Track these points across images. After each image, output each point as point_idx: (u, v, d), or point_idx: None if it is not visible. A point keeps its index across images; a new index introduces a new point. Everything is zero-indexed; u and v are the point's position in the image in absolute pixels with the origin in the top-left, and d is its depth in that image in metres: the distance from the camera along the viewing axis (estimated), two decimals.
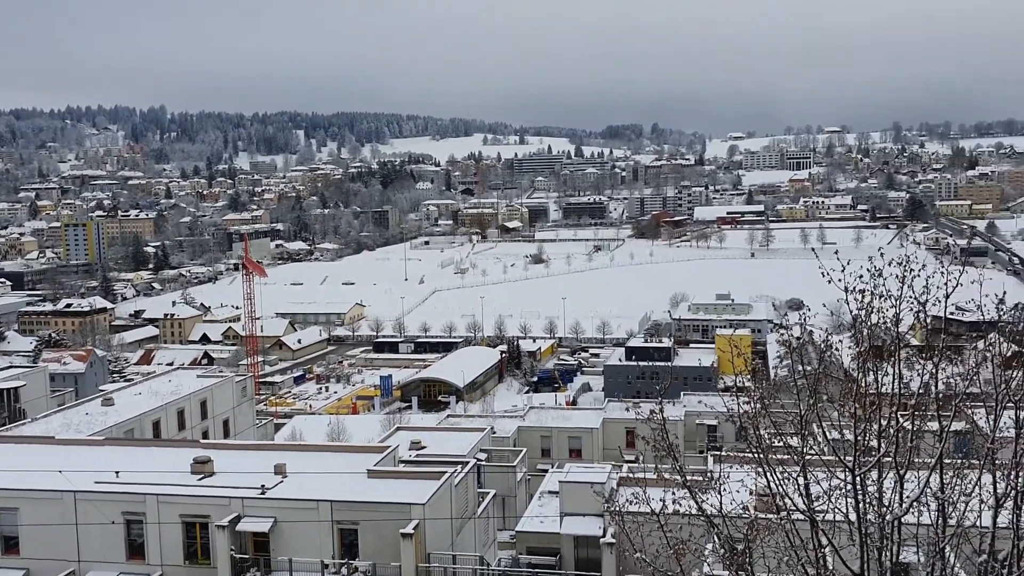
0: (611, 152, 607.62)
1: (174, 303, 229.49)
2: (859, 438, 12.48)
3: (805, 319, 15.38)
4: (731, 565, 12.36)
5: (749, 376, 17.15)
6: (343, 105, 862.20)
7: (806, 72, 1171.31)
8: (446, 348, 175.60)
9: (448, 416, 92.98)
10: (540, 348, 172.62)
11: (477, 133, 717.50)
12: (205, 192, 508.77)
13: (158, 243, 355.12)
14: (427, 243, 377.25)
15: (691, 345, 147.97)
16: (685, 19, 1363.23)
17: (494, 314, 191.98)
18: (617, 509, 14.08)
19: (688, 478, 13.37)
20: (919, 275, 12.79)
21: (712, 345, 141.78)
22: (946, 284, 12.62)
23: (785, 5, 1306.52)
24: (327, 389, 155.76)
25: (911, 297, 12.65)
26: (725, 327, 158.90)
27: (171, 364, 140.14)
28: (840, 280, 13.67)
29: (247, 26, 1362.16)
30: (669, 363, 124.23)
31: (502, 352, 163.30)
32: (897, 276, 12.62)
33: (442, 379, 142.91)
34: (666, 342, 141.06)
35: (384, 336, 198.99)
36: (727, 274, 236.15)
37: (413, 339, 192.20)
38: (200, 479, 43.69)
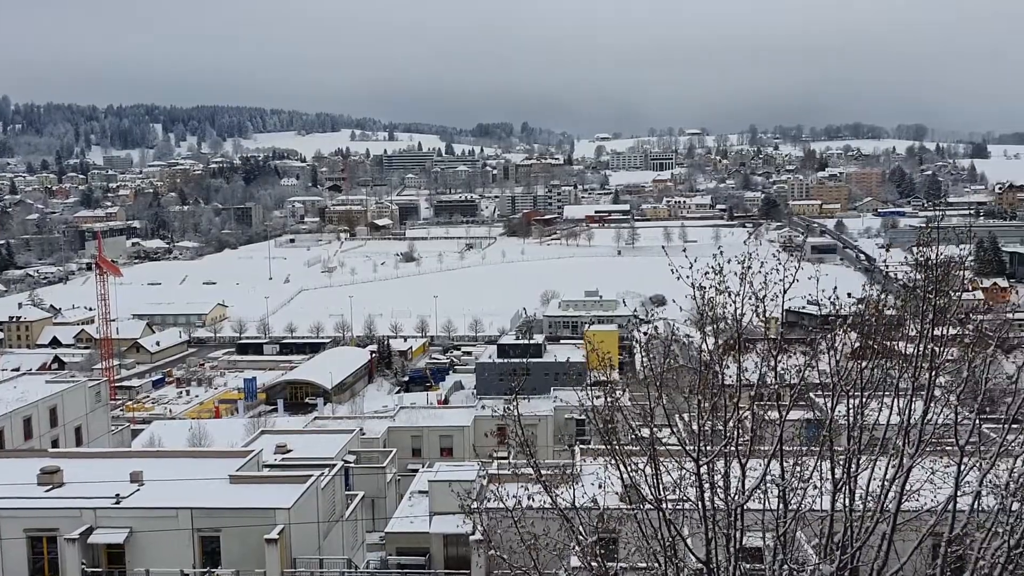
0: (482, 150, 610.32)
1: (20, 305, 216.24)
2: (704, 428, 12.98)
3: (652, 316, 15.84)
4: (584, 557, 12.65)
5: (617, 370, 17.53)
6: (203, 98, 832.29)
7: (669, 76, 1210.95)
8: (313, 349, 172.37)
9: (315, 418, 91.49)
10: (411, 347, 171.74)
11: (345, 128, 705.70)
12: (55, 188, 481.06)
13: (1, 241, 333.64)
14: (293, 241, 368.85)
15: (562, 341, 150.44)
16: (553, 21, 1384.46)
17: (364, 313, 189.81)
18: (471, 507, 14.14)
19: (544, 472, 13.60)
20: (759, 272, 13.42)
21: (582, 340, 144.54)
22: (783, 280, 13.28)
23: (649, 11, 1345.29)
24: (188, 393, 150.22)
25: (751, 293, 13.25)
26: (594, 323, 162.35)
27: (17, 370, 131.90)
28: (688, 277, 14.20)
29: (98, 15, 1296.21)
30: (540, 359, 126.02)
31: (372, 352, 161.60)
32: (736, 273, 13.21)
33: (309, 380, 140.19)
34: (538, 339, 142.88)
35: (248, 337, 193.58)
36: (596, 271, 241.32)
37: (279, 340, 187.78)
38: (48, 490, 41.43)
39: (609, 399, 13.70)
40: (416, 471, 66.83)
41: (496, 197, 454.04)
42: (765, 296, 13.38)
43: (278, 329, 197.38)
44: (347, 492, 53.82)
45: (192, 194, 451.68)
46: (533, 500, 13.11)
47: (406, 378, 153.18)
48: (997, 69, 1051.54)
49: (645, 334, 14.07)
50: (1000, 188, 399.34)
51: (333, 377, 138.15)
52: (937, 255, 13.51)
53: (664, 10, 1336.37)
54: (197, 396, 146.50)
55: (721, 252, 13.21)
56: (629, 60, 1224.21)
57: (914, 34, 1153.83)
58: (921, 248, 13.67)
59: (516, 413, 13.70)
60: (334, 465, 50.55)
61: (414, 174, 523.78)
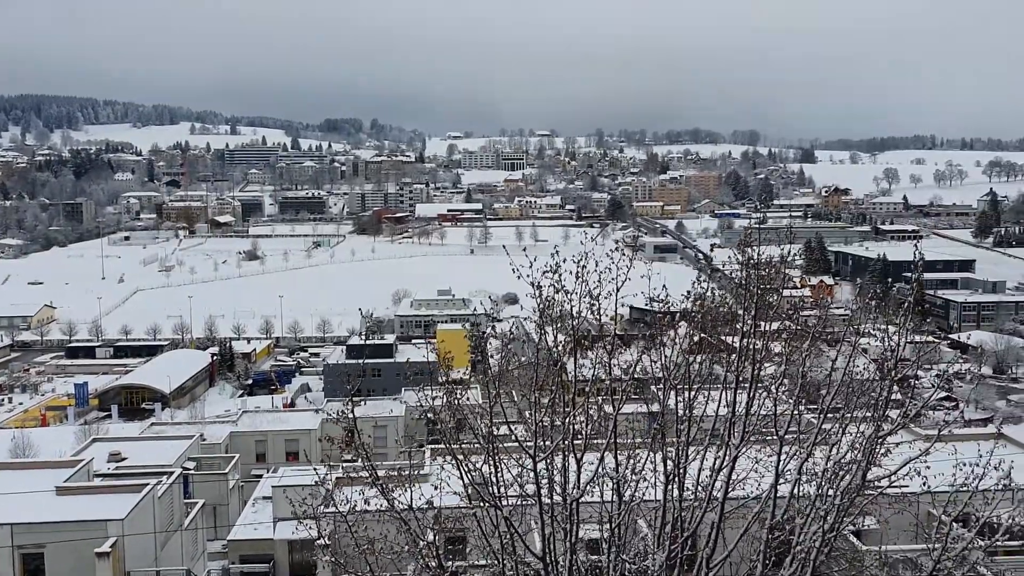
0: (330, 146, 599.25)
1: None
2: (542, 425, 13.16)
3: (493, 316, 15.94)
4: (422, 558, 12.59)
5: (469, 369, 17.49)
6: (29, 87, 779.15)
7: (520, 77, 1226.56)
8: (150, 352, 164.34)
9: (152, 424, 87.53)
10: (255, 349, 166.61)
11: (184, 121, 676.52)
12: None
13: None
14: (127, 239, 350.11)
15: (413, 341, 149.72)
16: (404, 17, 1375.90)
17: (204, 314, 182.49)
18: (315, 512, 13.83)
19: (384, 475, 13.43)
20: (595, 270, 13.75)
21: (434, 340, 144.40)
22: (616, 279, 13.64)
23: (500, 12, 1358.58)
24: (10, 401, 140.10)
25: (586, 291, 13.56)
26: (447, 322, 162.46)
27: None
28: (528, 276, 14.35)
29: None
30: (391, 359, 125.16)
31: (213, 354, 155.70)
32: (572, 272, 13.50)
33: (146, 385, 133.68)
34: (388, 339, 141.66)
35: (79, 340, 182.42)
36: (448, 270, 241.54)
37: (112, 343, 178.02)
38: None
39: (449, 399, 13.67)
40: (260, 476, 65.17)
41: (345, 194, 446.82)
42: (600, 294, 13.71)
43: (112, 331, 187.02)
44: (186, 500, 51.89)
45: (16, 188, 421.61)
46: (369, 503, 12.95)
47: (250, 381, 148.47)
48: (823, 80, 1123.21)
49: (482, 332, 14.10)
50: (826, 191, 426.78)
51: (172, 381, 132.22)
52: (759, 254, 14.22)
53: (515, 12, 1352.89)
54: (21, 404, 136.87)
55: (557, 252, 13.44)
56: (481, 60, 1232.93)
57: (749, 45, 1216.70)
58: (744, 247, 14.35)
59: (352, 416, 13.46)
60: (172, 472, 48.56)
61: (258, 169, 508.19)
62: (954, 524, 12.98)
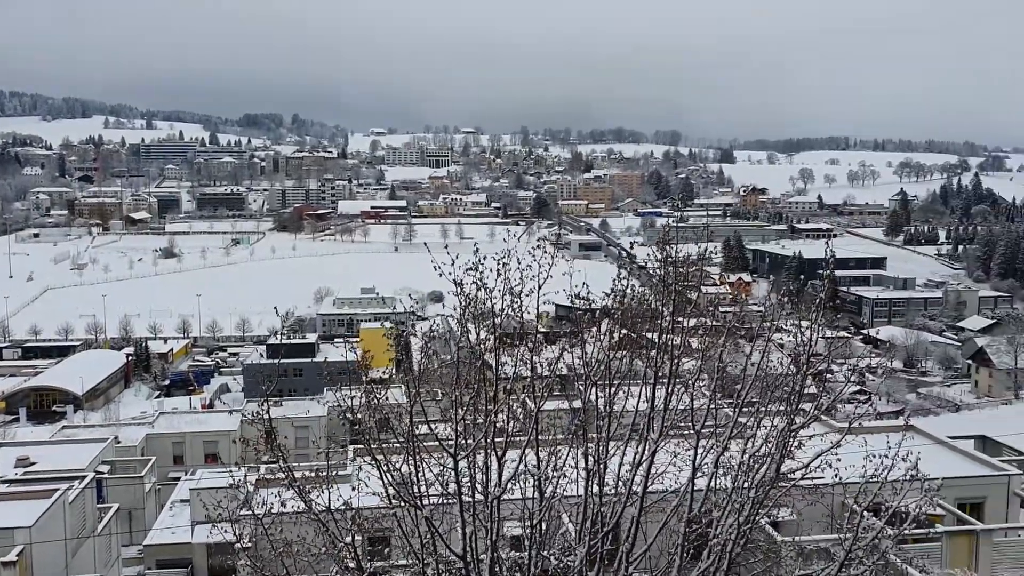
0: (249, 141, 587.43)
1: None
2: (464, 423, 13.12)
3: (418, 314, 15.83)
4: (340, 560, 12.42)
5: (393, 367, 17.32)
6: None
7: (443, 74, 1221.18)
8: (62, 352, 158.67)
9: (64, 427, 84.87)
10: (172, 349, 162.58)
11: (97, 115, 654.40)
12: None
13: None
14: (37, 236, 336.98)
15: (336, 340, 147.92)
16: (325, 11, 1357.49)
17: (119, 313, 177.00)
18: (232, 514, 13.52)
19: (301, 475, 13.21)
20: (517, 268, 13.76)
21: (358, 338, 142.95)
22: (538, 276, 13.67)
23: (424, 8, 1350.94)
24: None
25: (507, 289, 13.56)
26: (370, 320, 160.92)
27: None
28: (450, 274, 14.27)
29: None
30: (313, 359, 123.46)
31: (128, 355, 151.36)
32: (493, 270, 13.48)
33: (56, 387, 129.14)
34: (310, 338, 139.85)
35: None
36: (372, 268, 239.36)
37: (21, 344, 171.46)
38: None
39: (367, 398, 13.51)
40: (178, 479, 63.90)
41: (265, 190, 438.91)
42: (521, 291, 13.72)
43: (20, 332, 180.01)
44: (100, 505, 50.35)
45: None
46: (287, 505, 12.72)
47: (167, 382, 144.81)
48: (741, 81, 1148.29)
49: (401, 332, 13.98)
50: (744, 191, 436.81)
51: (84, 382, 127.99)
52: (676, 252, 14.42)
53: (439, 10, 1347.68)
54: None
55: (478, 249, 13.42)
56: (405, 56, 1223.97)
57: (670, 47, 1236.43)
58: (662, 245, 14.55)
59: (268, 416, 13.19)
60: (84, 477, 47.00)
61: (175, 165, 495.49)
62: (865, 513, 13.37)
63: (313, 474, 13.10)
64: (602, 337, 15.36)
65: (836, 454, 13.67)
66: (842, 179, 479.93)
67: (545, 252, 13.87)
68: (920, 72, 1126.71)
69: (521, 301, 13.72)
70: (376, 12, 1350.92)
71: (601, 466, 13.97)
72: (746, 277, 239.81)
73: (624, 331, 15.92)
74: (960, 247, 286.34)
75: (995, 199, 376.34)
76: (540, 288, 13.69)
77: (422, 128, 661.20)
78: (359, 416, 13.42)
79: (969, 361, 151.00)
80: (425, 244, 17.60)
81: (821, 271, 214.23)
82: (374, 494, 13.59)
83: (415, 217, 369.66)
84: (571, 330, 16.13)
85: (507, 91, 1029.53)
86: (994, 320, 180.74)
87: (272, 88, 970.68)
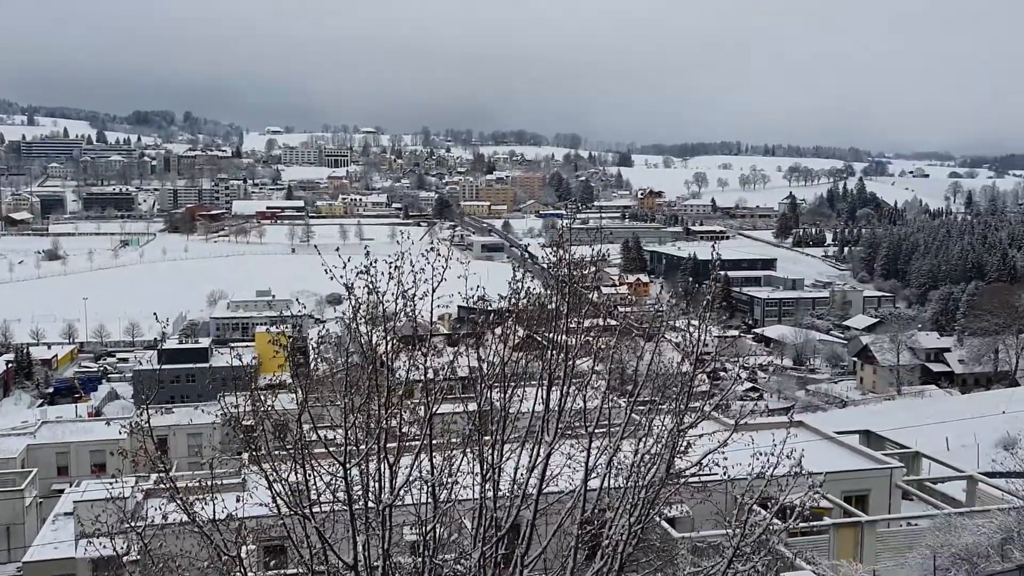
0: (139, 139, 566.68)
1: None
2: (350, 431, 12.85)
3: (316, 317, 15.45)
4: (225, 573, 11.99)
5: (289, 372, 16.82)
6: None
7: (343, 72, 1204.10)
8: None
9: None
10: (57, 355, 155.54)
11: None
12: None
13: None
14: None
15: (231, 344, 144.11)
16: (216, 6, 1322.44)
17: None
18: (107, 528, 12.90)
19: (191, 486, 12.70)
20: (411, 271, 13.57)
21: (253, 343, 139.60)
22: (432, 278, 13.51)
23: (322, 5, 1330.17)
24: None
25: (401, 291, 13.37)
26: (266, 324, 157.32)
27: None
28: (341, 277, 13.97)
29: None
30: (206, 364, 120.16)
31: (8, 362, 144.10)
32: (385, 273, 13.27)
33: None
34: (204, 342, 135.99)
35: None
36: (268, 270, 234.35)
37: None
38: None
39: (255, 404, 13.09)
40: (62, 491, 61.16)
41: (156, 190, 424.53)
42: (415, 294, 13.54)
43: None
44: None
45: None
46: (168, 517, 12.20)
47: (50, 389, 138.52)
48: (640, 87, 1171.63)
49: (289, 336, 13.60)
50: (642, 194, 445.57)
51: None
52: (571, 253, 14.48)
53: (337, 6, 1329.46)
54: None
55: (368, 252, 13.21)
56: (303, 53, 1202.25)
57: (571, 50, 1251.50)
58: (556, 246, 14.59)
59: (149, 425, 12.63)
60: None
61: (59, 163, 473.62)
62: (755, 508, 13.66)
63: (198, 483, 12.58)
64: (499, 339, 15.29)
65: (723, 453, 13.94)
66: (734, 183, 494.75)
67: (439, 255, 13.70)
68: (808, 80, 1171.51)
69: (414, 304, 13.54)
70: (273, 9, 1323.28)
71: (496, 469, 13.88)
72: (644, 278, 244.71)
73: (522, 332, 15.90)
74: (846, 249, 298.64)
75: (878, 203, 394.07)
76: (434, 291, 13.53)
77: (320, 127, 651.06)
78: (247, 423, 13.00)
79: (855, 358, 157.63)
80: (315, 247, 17.22)
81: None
82: (262, 504, 13.17)
83: (313, 218, 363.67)
84: (468, 332, 16.01)
85: (408, 91, 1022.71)
86: (877, 319, 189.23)
87: (164, 85, 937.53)
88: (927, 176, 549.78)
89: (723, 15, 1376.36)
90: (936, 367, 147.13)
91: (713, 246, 14.91)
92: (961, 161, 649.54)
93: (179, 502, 12.00)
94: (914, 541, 36.32)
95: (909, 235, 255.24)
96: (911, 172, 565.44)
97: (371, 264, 13.28)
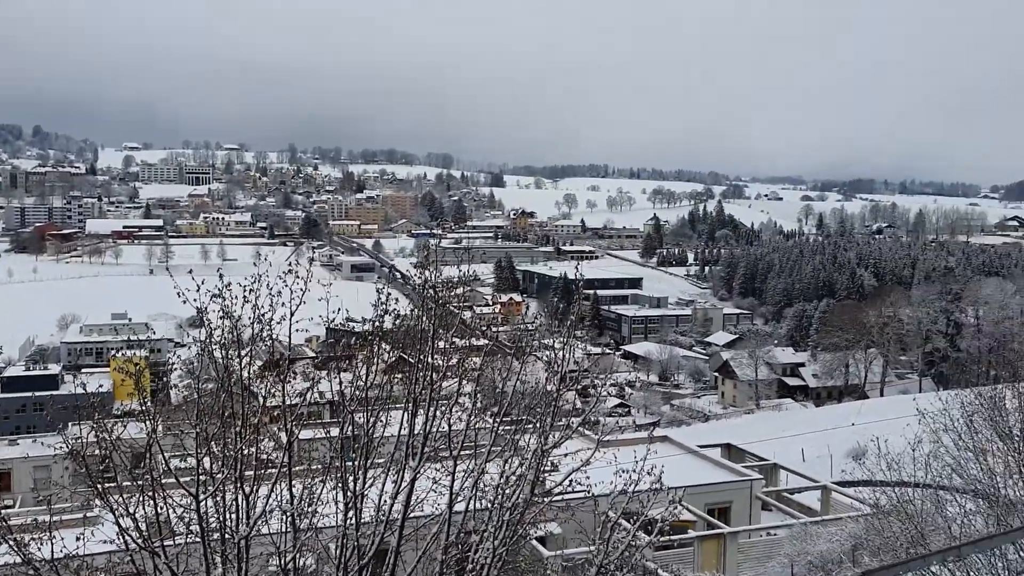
0: None
1: None
2: (202, 459, 12.28)
3: (176, 341, 14.74)
4: None
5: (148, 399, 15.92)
6: None
7: (204, 87, 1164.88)
8: None
9: None
10: None
11: None
12: None
13: None
14: None
15: (84, 370, 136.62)
16: (68, 15, 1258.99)
17: None
18: None
19: (28, 523, 11.82)
20: (269, 293, 13.13)
21: (108, 369, 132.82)
22: (291, 300, 13.11)
23: (181, 17, 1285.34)
24: None
25: (257, 315, 12.93)
26: (122, 349, 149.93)
27: None
28: (196, 300, 13.40)
29: None
30: (56, 392, 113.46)
31: None
32: (242, 296, 12.81)
33: None
34: (53, 369, 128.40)
35: None
36: (125, 292, 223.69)
37: None
38: None
39: (100, 434, 12.32)
40: None
41: (1, 208, 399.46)
42: (271, 317, 13.10)
43: None
44: None
45: None
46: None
47: None
48: (511, 109, 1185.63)
49: (144, 356, 12.90)
50: (514, 214, 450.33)
51: None
52: (435, 274, 14.35)
53: (198, 20, 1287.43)
54: None
55: (221, 276, 12.73)
56: (161, 66, 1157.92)
57: (441, 70, 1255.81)
58: (423, 267, 14.44)
59: None
60: None
61: None
62: (622, 522, 13.81)
63: (34, 521, 11.71)
64: (363, 361, 14.96)
65: (585, 472, 14.06)
66: (602, 204, 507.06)
67: (297, 276, 13.30)
68: (670, 107, 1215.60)
69: (271, 328, 13.10)
70: (129, 20, 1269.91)
71: (360, 495, 13.54)
72: (517, 297, 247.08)
73: (388, 355, 15.62)
74: (706, 268, 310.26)
75: (736, 224, 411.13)
76: (292, 315, 13.12)
77: (181, 143, 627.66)
78: (94, 455, 12.22)
79: (716, 373, 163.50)
80: (167, 268, 16.43)
81: (586, 291, 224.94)
82: (108, 541, 12.38)
83: (173, 237, 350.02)
84: (330, 355, 15.64)
85: (273, 107, 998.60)
86: (737, 335, 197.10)
87: (10, 98, 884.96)
88: (781, 199, 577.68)
89: (587, 43, 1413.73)
90: (792, 381, 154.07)
91: (576, 267, 15.17)
92: (812, 185, 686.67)
93: (10, 543, 11.13)
94: (773, 550, 37.76)
95: (765, 255, 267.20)
96: (766, 195, 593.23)
97: (225, 287, 12.77)
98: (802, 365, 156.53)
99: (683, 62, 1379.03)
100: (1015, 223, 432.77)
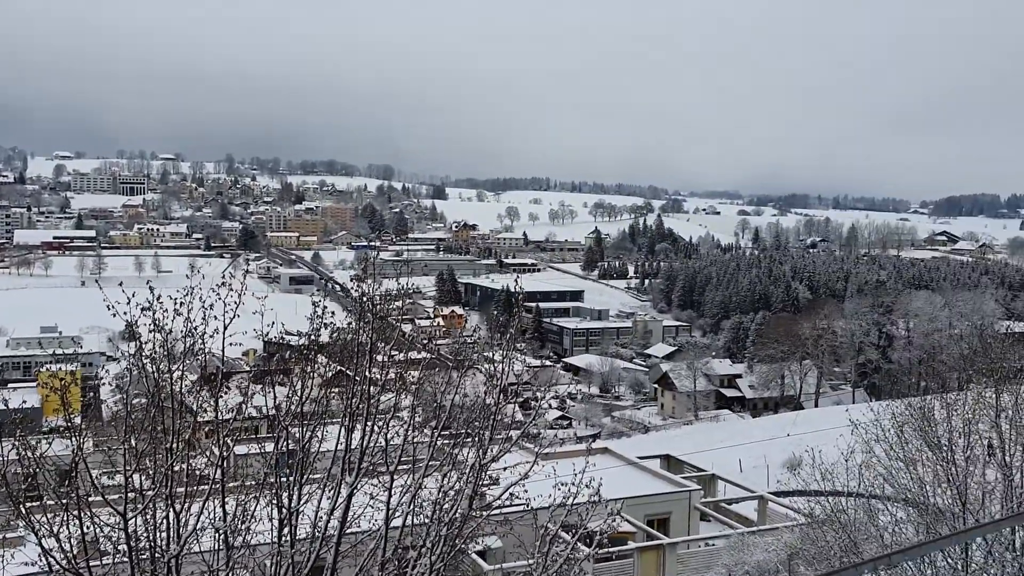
0: None
1: None
2: (130, 478, 11.92)
3: (109, 355, 14.32)
4: None
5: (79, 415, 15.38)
6: None
7: (139, 96, 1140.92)
8: None
9: None
10: None
11: None
12: None
13: None
14: None
15: (11, 385, 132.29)
16: None
17: None
18: None
19: None
20: (202, 306, 12.86)
21: (35, 383, 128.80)
22: (224, 313, 12.85)
23: (114, 24, 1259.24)
24: None
25: (190, 328, 12.65)
26: (52, 363, 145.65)
27: None
28: (126, 313, 13.06)
29: None
30: None
31: None
32: (174, 309, 12.53)
33: None
34: None
35: None
36: (55, 304, 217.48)
37: None
38: None
39: (24, 452, 11.88)
40: None
41: None
42: (204, 331, 12.82)
43: None
44: None
45: None
46: None
47: None
48: (455, 120, 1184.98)
49: (65, 376, 12.52)
50: (456, 226, 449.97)
51: None
52: (375, 286, 14.21)
53: (132, 27, 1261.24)
54: None
55: (152, 288, 12.44)
56: (94, 74, 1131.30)
57: (382, 82, 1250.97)
58: (360, 280, 14.28)
59: None
60: None
61: None
62: (560, 535, 13.78)
63: None
64: (298, 376, 14.72)
65: (523, 485, 14.02)
66: (544, 217, 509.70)
67: (231, 289, 13.04)
68: (610, 122, 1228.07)
69: (203, 342, 12.82)
70: (61, 22, 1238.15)
71: (295, 512, 13.29)
72: (459, 310, 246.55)
73: (324, 368, 15.39)
74: (647, 281, 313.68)
75: (675, 238, 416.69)
76: (226, 328, 12.86)
77: (115, 153, 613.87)
78: (17, 472, 11.77)
79: (655, 385, 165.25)
80: (97, 281, 16.06)
81: (528, 303, 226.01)
82: (29, 564, 11.94)
83: (106, 248, 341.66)
84: (264, 369, 15.35)
85: (211, 116, 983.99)
86: (676, 347, 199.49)
87: None
88: (719, 213, 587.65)
89: (527, 58, 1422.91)
90: (729, 392, 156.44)
91: (516, 280, 15.17)
92: (748, 200, 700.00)
93: None
94: (711, 560, 38.18)
95: (703, 268, 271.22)
96: (704, 210, 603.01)
97: (156, 299, 12.47)
98: (739, 376, 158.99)
99: (624, 76, 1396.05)
100: (943, 238, 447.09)
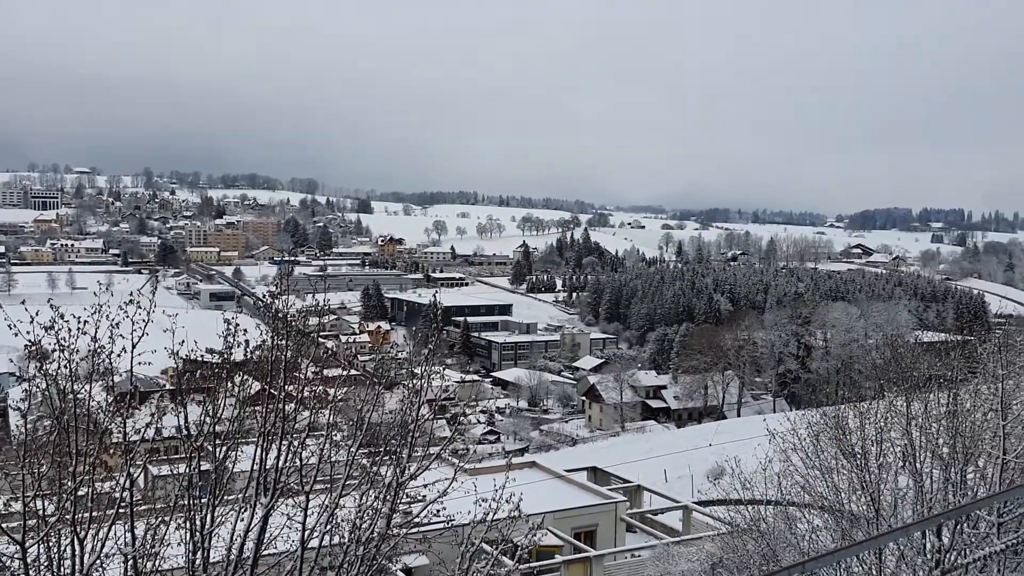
0: None
1: None
2: (31, 501, 11.43)
3: (17, 375, 13.70)
4: None
5: None
6: None
7: (51, 108, 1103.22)
8: None
9: None
10: None
11: None
12: None
13: None
14: None
15: None
16: None
17: None
18: None
19: None
20: (109, 323, 12.45)
21: None
22: (132, 332, 12.46)
23: (27, 33, 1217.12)
24: None
25: (95, 347, 12.23)
26: None
27: None
28: (28, 332, 12.57)
29: None
30: None
31: None
32: (79, 328, 12.11)
33: None
34: None
35: None
36: None
37: None
38: None
39: None
40: None
41: None
42: (111, 350, 12.40)
43: None
44: None
45: None
46: None
47: None
48: (378, 134, 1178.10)
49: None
50: (382, 241, 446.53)
51: None
52: (287, 304, 13.96)
53: (46, 36, 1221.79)
54: None
55: (52, 306, 12.01)
56: (3, 83, 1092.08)
57: (304, 95, 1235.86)
58: (274, 297, 14.01)
59: None
60: None
61: None
62: (483, 548, 13.67)
63: None
64: (214, 395, 14.34)
65: (442, 503, 13.89)
66: (472, 231, 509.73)
67: (139, 307, 12.65)
68: (538, 137, 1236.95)
69: (110, 359, 12.39)
70: None
71: (207, 535, 12.91)
72: (385, 325, 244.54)
73: (248, 386, 15.03)
74: (574, 294, 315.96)
75: (602, 251, 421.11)
76: (134, 347, 12.46)
77: (26, 166, 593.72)
78: None
79: (583, 397, 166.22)
80: None
81: (457, 318, 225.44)
82: None
83: (16, 265, 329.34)
84: (175, 388, 14.92)
85: (127, 129, 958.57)
86: (603, 360, 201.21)
87: None
88: (643, 227, 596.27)
89: (454, 72, 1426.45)
90: (655, 403, 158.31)
91: (434, 296, 15.24)
92: (672, 214, 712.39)
93: None
94: (637, 572, 38.45)
95: (629, 281, 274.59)
96: (629, 223, 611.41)
97: (60, 317, 12.02)
98: (664, 387, 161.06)
99: (551, 92, 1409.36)
100: (859, 251, 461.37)
